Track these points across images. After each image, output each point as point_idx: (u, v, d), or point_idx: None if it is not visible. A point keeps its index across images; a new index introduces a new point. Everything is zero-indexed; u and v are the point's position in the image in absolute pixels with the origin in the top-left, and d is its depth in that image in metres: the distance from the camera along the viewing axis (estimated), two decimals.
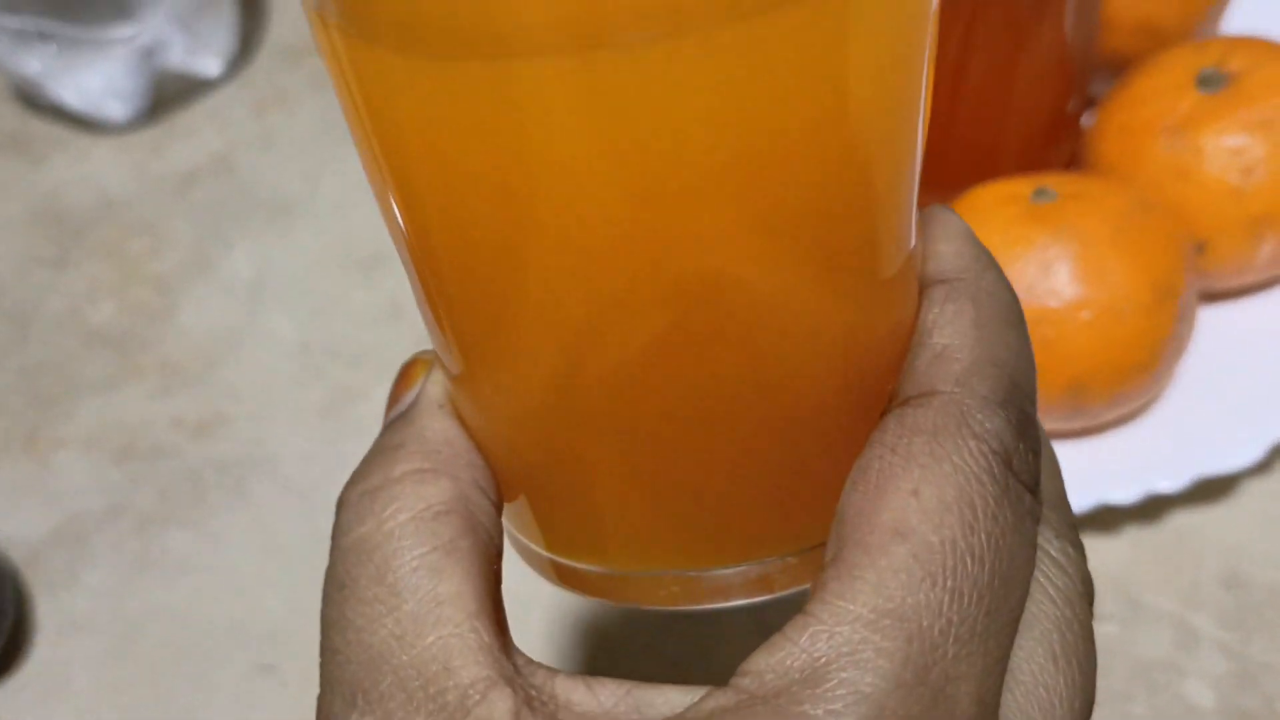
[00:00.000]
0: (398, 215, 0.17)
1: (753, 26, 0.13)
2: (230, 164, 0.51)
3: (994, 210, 0.35)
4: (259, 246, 0.47)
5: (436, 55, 0.14)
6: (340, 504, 0.17)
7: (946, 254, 0.18)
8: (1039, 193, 0.34)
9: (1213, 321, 0.37)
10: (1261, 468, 0.35)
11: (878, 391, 0.17)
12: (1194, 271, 0.35)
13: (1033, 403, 0.16)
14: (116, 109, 0.51)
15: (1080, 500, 0.33)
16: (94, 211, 0.49)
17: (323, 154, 0.51)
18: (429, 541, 0.16)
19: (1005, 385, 0.15)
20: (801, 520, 0.18)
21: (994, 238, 0.34)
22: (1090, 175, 0.37)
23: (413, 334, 0.43)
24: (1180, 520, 0.35)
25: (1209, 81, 0.37)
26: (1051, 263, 0.33)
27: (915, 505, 0.14)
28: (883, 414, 0.16)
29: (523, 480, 0.18)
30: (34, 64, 0.50)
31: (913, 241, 0.17)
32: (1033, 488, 0.15)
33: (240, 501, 0.39)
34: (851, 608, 0.13)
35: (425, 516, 0.16)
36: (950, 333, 0.16)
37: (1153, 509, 0.35)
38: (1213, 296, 0.38)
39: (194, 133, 0.52)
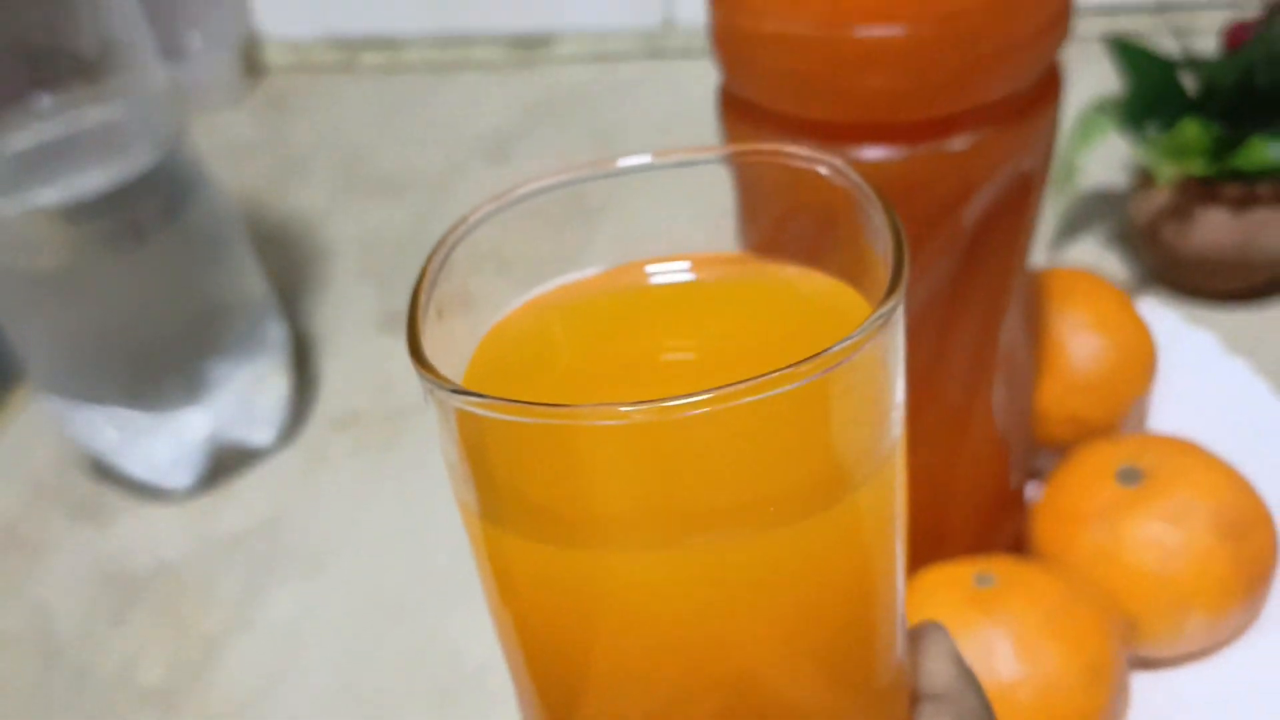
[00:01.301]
0: (515, 646, 0.21)
1: (774, 539, 0.18)
2: (276, 524, 0.57)
3: (941, 592, 0.40)
4: (298, 597, 0.52)
5: (545, 541, 0.19)
6: None
7: (936, 672, 0.23)
8: (980, 578, 0.39)
9: (1149, 688, 0.41)
10: None
11: None
12: (1126, 647, 0.40)
13: None
14: (178, 478, 0.58)
15: None
16: (151, 574, 0.55)
17: (358, 512, 0.57)
18: None
19: None
20: None
21: (941, 618, 0.38)
22: (1028, 561, 0.42)
23: (435, 677, 0.47)
24: None
25: (1127, 476, 0.42)
26: (992, 645, 0.38)
27: None
28: None
29: None
30: (108, 440, 0.57)
31: (901, 656, 0.22)
32: None
33: None
34: None
35: None
36: None
37: None
38: (1149, 664, 0.42)
39: (246, 497, 0.58)
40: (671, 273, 0.23)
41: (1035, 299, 0.48)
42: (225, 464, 0.59)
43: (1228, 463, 0.42)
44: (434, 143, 0.82)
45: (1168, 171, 0.54)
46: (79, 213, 0.49)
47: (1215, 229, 0.55)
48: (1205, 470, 0.42)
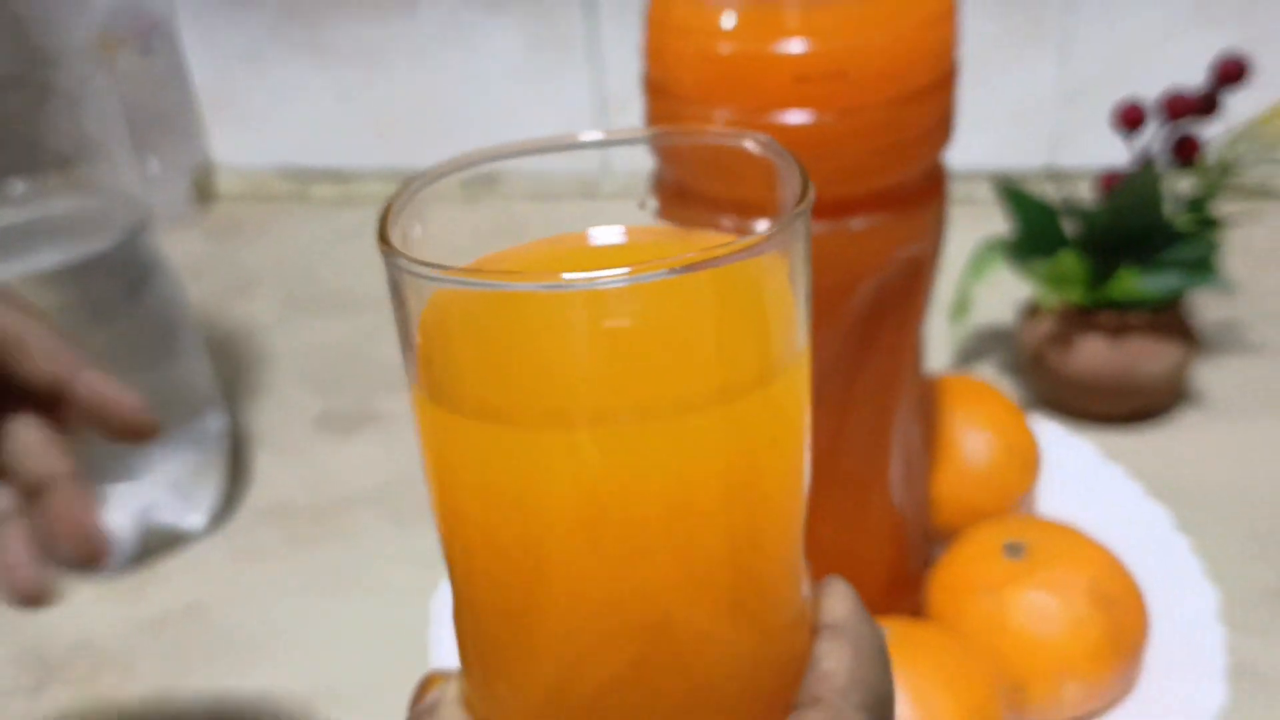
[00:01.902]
0: (454, 534, 0.24)
1: (691, 422, 0.21)
2: (202, 609, 0.58)
3: None
4: (219, 681, 0.53)
5: (486, 420, 0.21)
6: None
7: (837, 608, 0.26)
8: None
9: None
10: None
11: (782, 701, 0.24)
12: (1012, 709, 0.43)
13: (891, 716, 0.24)
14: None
15: None
16: (72, 649, 0.55)
17: (285, 601, 0.58)
18: None
19: (872, 700, 0.23)
20: None
21: None
22: (925, 623, 0.45)
23: None
24: None
25: (1012, 551, 0.46)
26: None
27: None
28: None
29: None
30: None
31: (805, 593, 0.25)
32: None
33: None
34: None
35: None
36: (834, 660, 0.24)
37: None
38: None
39: (173, 579, 0.59)
40: (606, 236, 0.27)
41: (932, 401, 0.53)
42: (154, 545, 0.61)
43: (1102, 543, 0.46)
44: (380, 266, 0.86)
45: (1050, 299, 0.60)
46: (42, 286, 0.51)
47: (1094, 355, 0.61)
48: (1081, 548, 0.46)
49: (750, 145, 0.25)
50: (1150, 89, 0.62)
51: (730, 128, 0.27)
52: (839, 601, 0.26)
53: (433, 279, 0.21)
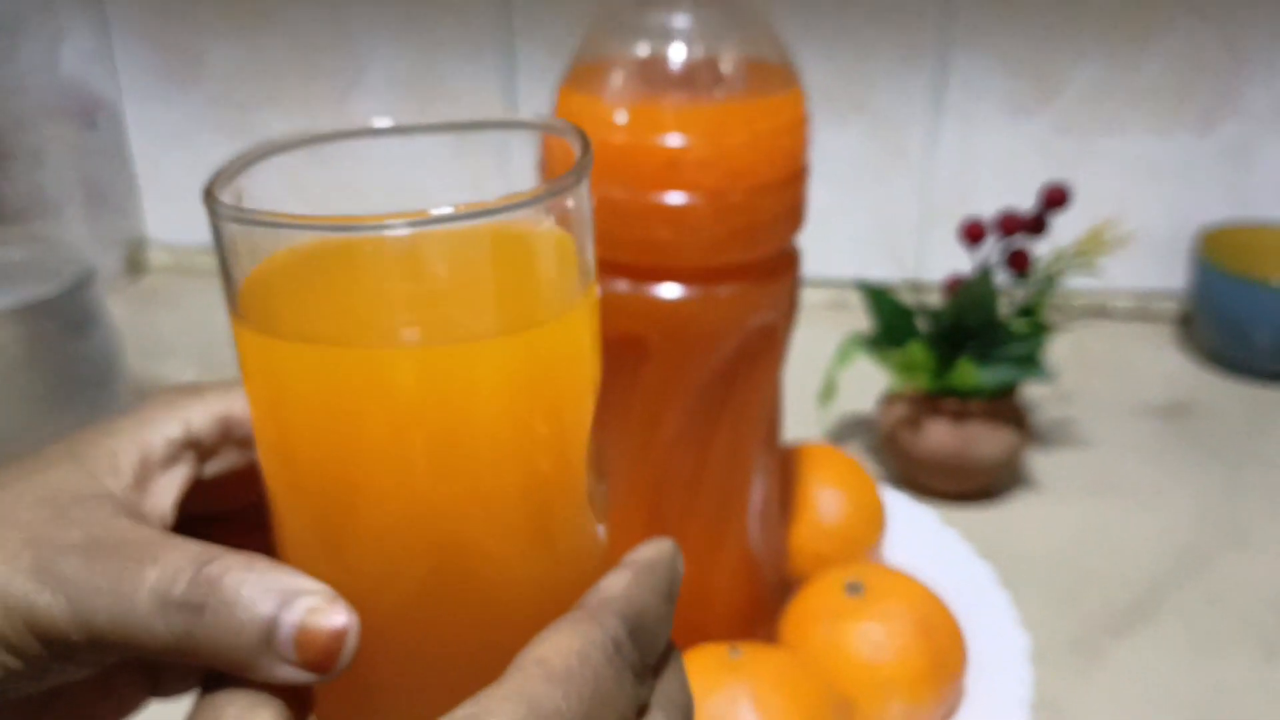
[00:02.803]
0: (273, 458, 0.26)
1: (481, 347, 0.23)
2: None
3: (701, 659, 0.48)
4: None
5: (288, 339, 0.24)
6: None
7: (641, 551, 0.28)
8: (732, 651, 0.49)
9: None
10: None
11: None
12: None
13: (655, 637, 0.27)
14: None
15: None
16: None
17: None
18: None
19: (633, 615, 0.26)
20: None
21: (699, 679, 0.47)
22: (774, 646, 0.51)
23: None
24: None
25: (853, 589, 0.53)
26: (738, 699, 0.47)
27: (548, 647, 0.24)
28: None
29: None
30: None
31: (599, 534, 0.28)
32: (637, 671, 0.26)
33: None
34: (487, 700, 0.23)
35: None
36: (613, 581, 0.27)
37: None
38: None
39: None
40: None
41: (793, 464, 0.60)
42: None
43: (929, 587, 0.53)
44: None
45: (902, 384, 0.68)
46: None
47: (938, 436, 0.69)
48: (912, 589, 0.53)
49: (548, 126, 0.29)
50: (994, 210, 0.71)
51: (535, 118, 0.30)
52: (647, 548, 0.28)
53: (256, 222, 0.24)
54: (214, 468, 0.30)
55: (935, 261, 0.96)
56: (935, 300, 0.73)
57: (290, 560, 0.27)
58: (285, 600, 0.24)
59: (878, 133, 0.94)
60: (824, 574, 0.55)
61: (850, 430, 0.79)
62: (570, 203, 0.25)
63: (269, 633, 0.24)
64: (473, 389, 0.24)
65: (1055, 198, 0.68)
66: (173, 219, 1.03)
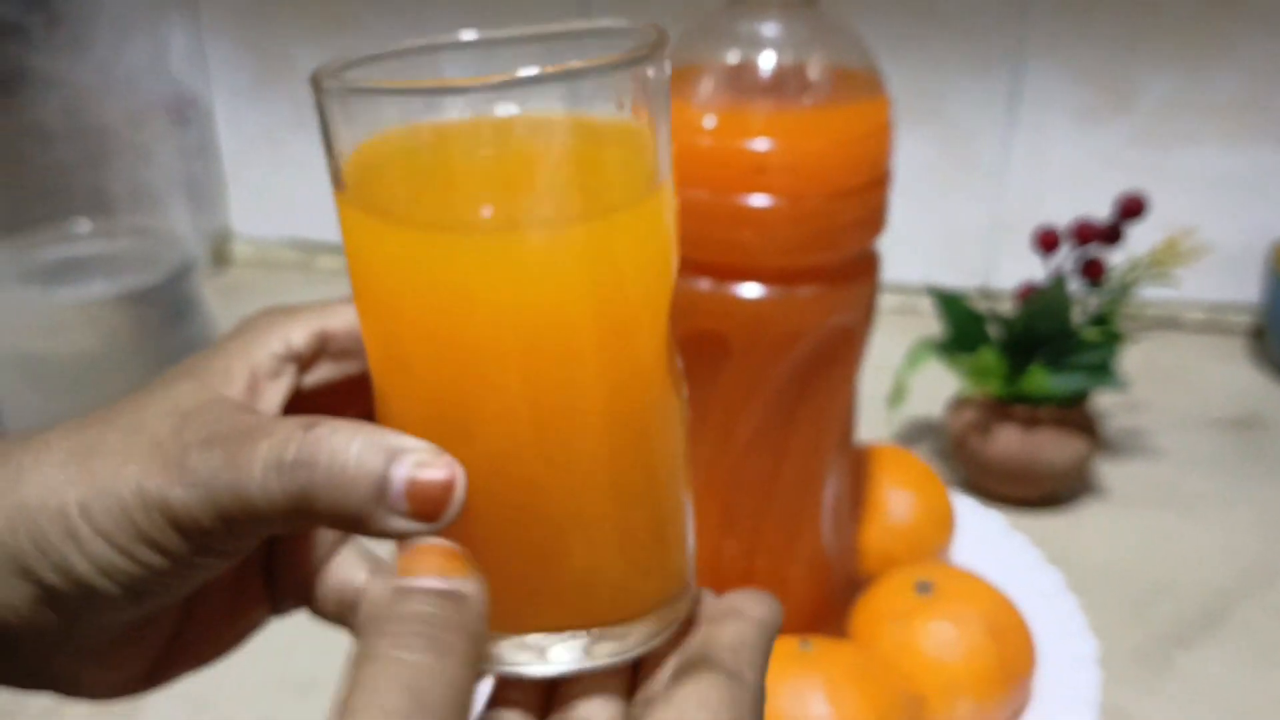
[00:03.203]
0: (381, 337, 0.27)
1: (575, 230, 0.24)
2: None
3: (775, 651, 0.50)
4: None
5: (387, 219, 0.25)
6: None
7: (758, 606, 0.31)
8: (803, 643, 0.50)
9: None
10: None
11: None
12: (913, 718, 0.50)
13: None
14: None
15: None
16: None
17: None
18: None
19: (761, 666, 0.29)
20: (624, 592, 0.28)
21: (771, 670, 0.48)
22: (845, 641, 0.52)
23: None
24: None
25: (923, 588, 0.54)
26: (809, 690, 0.48)
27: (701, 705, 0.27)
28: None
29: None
30: None
31: (681, 433, 0.29)
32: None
33: None
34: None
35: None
36: (742, 632, 0.30)
37: None
38: None
39: None
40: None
41: (864, 466, 0.61)
42: None
43: (999, 588, 0.54)
44: None
45: (973, 389, 0.69)
46: (99, 311, 0.59)
47: (1008, 442, 0.69)
48: (982, 590, 0.54)
49: (630, 30, 0.28)
50: (1064, 220, 0.72)
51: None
52: (760, 602, 0.31)
53: (366, 91, 0.25)
54: (311, 379, 0.32)
55: (1004, 269, 0.97)
56: (1004, 307, 0.74)
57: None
58: (392, 455, 0.25)
59: (950, 140, 0.94)
60: (894, 573, 0.56)
61: (918, 433, 0.79)
62: (653, 84, 0.26)
63: (381, 486, 0.25)
64: (562, 273, 0.25)
65: (1132, 208, 0.68)
66: (257, 214, 1.06)
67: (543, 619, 0.28)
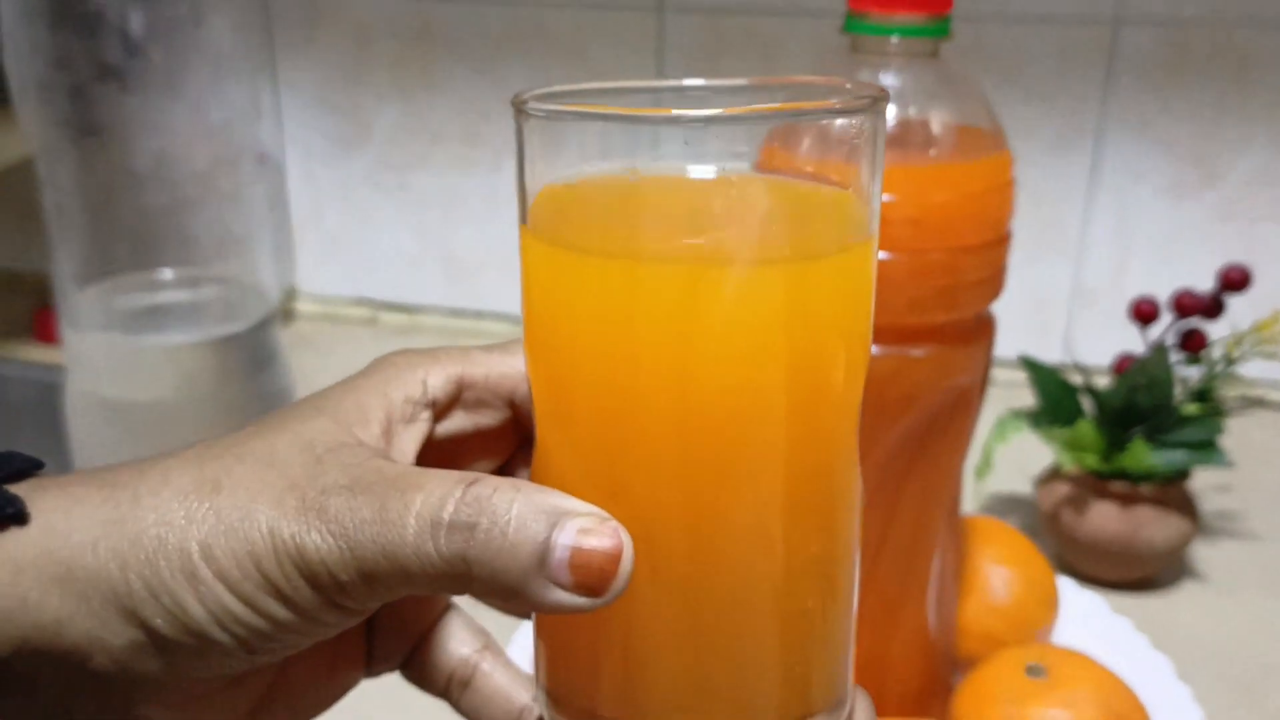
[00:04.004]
0: (540, 360, 0.26)
1: (765, 271, 0.23)
2: None
3: None
4: None
5: (582, 252, 0.24)
6: None
7: None
8: None
9: None
10: None
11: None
12: None
13: None
14: None
15: None
16: None
17: None
18: None
19: None
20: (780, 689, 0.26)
21: None
22: None
23: None
24: None
25: (1034, 671, 0.51)
26: None
27: None
28: None
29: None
30: None
31: (857, 492, 0.28)
32: None
33: None
34: None
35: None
36: None
37: None
38: None
39: None
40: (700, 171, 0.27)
41: (962, 537, 0.58)
42: None
43: (1113, 670, 0.51)
44: None
45: (1068, 462, 0.66)
46: (183, 356, 0.58)
47: (1105, 519, 0.66)
48: (1097, 673, 0.51)
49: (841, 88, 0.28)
50: (1150, 291, 0.69)
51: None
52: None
53: (559, 112, 0.24)
54: (443, 429, 0.30)
55: (1086, 340, 0.94)
56: (1095, 379, 0.71)
57: (572, 469, 0.26)
58: (555, 520, 0.23)
59: (1033, 210, 0.92)
60: (1000, 654, 0.53)
61: (1003, 508, 0.76)
62: (872, 133, 0.25)
63: (542, 554, 0.23)
64: (758, 311, 0.24)
65: (1235, 279, 0.66)
66: (322, 271, 1.06)
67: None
